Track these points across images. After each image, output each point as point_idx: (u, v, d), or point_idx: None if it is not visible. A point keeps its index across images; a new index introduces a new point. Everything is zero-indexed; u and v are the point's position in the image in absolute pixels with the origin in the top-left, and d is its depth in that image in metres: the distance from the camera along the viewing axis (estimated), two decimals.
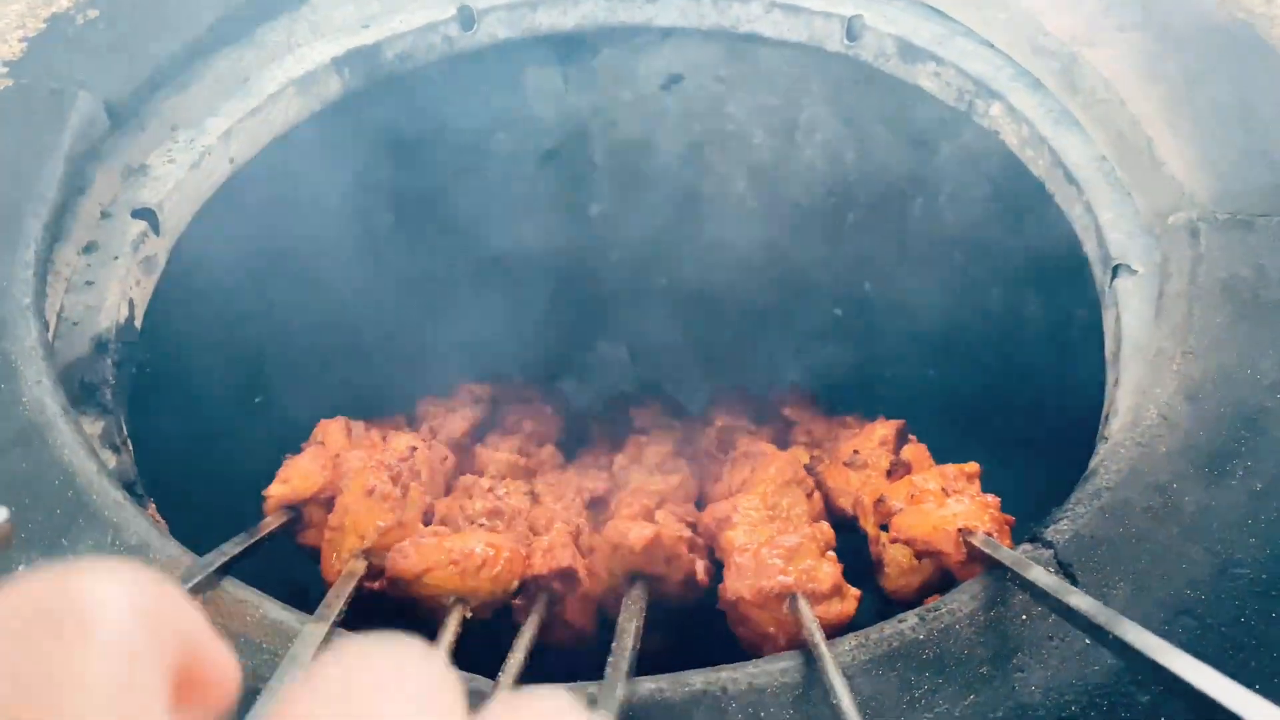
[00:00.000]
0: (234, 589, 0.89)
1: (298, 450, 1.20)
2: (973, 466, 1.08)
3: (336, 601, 0.87)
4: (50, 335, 1.12)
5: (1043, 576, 0.78)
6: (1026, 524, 1.01)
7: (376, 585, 0.99)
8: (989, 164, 1.52)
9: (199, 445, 1.37)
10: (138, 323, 1.25)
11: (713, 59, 1.87)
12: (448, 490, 1.26)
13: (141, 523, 0.93)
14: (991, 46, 1.48)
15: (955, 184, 1.67)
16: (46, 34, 1.39)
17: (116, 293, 1.23)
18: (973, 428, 1.55)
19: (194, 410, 1.41)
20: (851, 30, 1.57)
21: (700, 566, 1.05)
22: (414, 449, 1.16)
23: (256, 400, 1.67)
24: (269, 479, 1.11)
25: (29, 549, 0.90)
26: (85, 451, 0.97)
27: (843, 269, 2.11)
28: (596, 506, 1.29)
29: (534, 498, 1.24)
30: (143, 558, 0.89)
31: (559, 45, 1.78)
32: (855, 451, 1.27)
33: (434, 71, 1.66)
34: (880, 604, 1.09)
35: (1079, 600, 0.71)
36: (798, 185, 2.04)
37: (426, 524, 1.10)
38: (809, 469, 1.33)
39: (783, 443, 1.58)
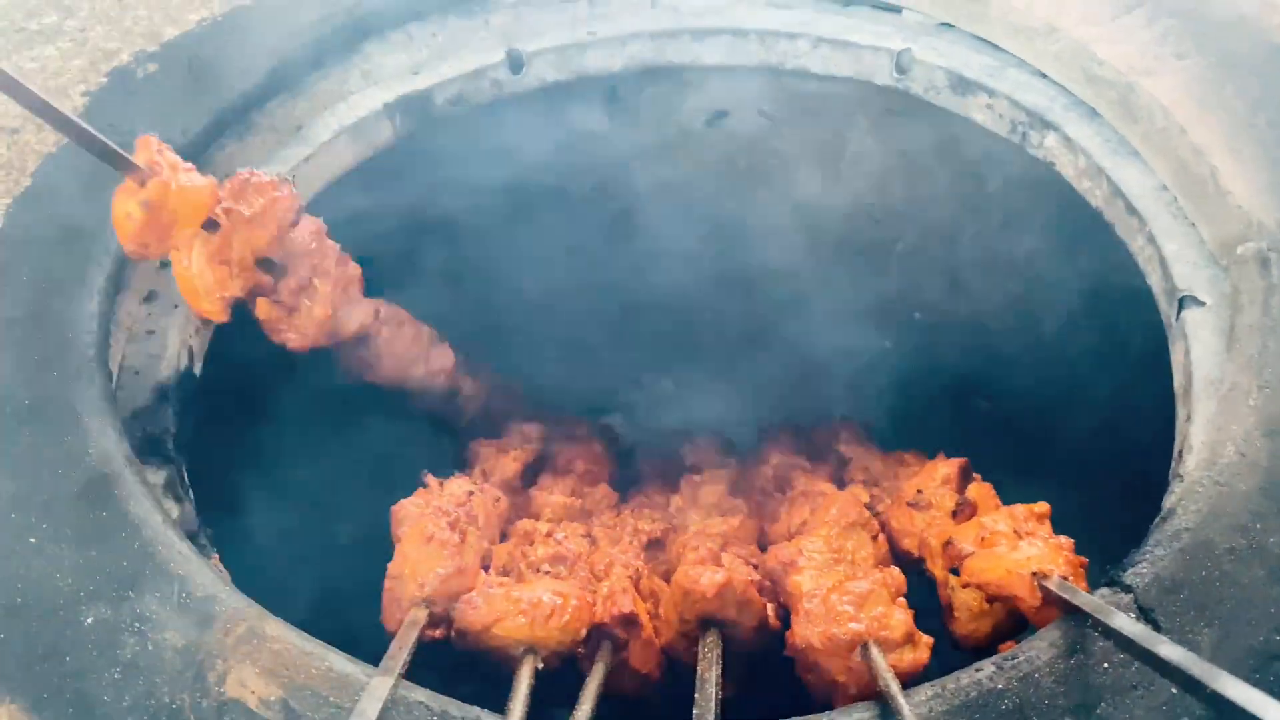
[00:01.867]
0: (299, 640, 0.88)
1: (352, 494, 1.21)
2: (1043, 507, 1.06)
3: (400, 653, 0.86)
4: (113, 385, 1.13)
5: (1127, 624, 0.76)
6: (1099, 564, 0.98)
7: (438, 634, 0.98)
8: (1044, 195, 1.50)
9: (253, 491, 1.38)
10: (197, 370, 1.26)
11: (758, 94, 1.86)
12: (503, 534, 1.25)
13: (208, 574, 0.93)
14: (1045, 77, 1.47)
15: (1009, 215, 1.65)
16: (108, 87, 1.41)
17: (177, 341, 1.24)
18: (1030, 462, 1.52)
19: (249, 455, 1.41)
20: (901, 64, 1.57)
21: (771, 611, 1.04)
22: (470, 494, 1.15)
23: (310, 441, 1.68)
24: (318, 521, 1.12)
25: (96, 601, 0.90)
26: (151, 503, 0.98)
27: (892, 300, 2.09)
28: (654, 548, 1.28)
29: (591, 541, 1.23)
30: (209, 612, 0.89)
31: (606, 85, 1.78)
32: (919, 491, 1.24)
33: (483, 114, 1.67)
34: (949, 648, 1.07)
35: (1170, 650, 0.69)
36: (845, 217, 2.02)
37: (485, 569, 1.09)
38: (870, 509, 1.30)
39: (839, 480, 1.56)
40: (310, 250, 1.21)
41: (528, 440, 1.71)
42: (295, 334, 1.21)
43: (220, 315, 1.11)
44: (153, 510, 0.97)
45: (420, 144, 1.63)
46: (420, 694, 0.84)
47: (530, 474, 1.59)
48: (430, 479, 1.20)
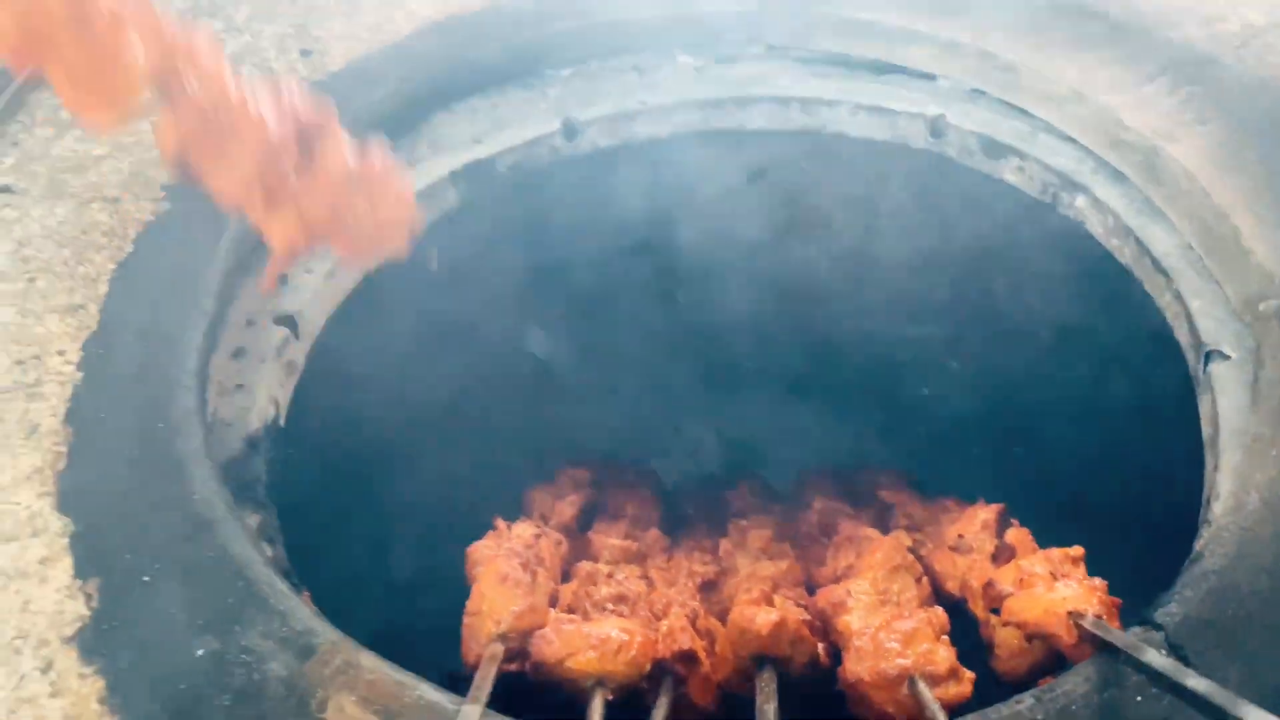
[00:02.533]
0: (391, 671, 0.96)
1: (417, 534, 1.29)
2: (1077, 550, 1.12)
3: (484, 683, 0.94)
4: (209, 436, 1.23)
5: (1157, 659, 0.82)
6: (1131, 605, 1.04)
7: (514, 667, 1.06)
8: (1074, 252, 1.57)
9: (332, 531, 1.47)
10: (282, 421, 1.36)
11: (796, 154, 1.95)
12: (564, 575, 1.32)
13: (304, 610, 1.01)
14: (1073, 141, 1.55)
15: (1041, 270, 1.72)
16: None
17: (264, 395, 1.34)
18: (1063, 507, 1.58)
19: (327, 499, 1.50)
20: (935, 128, 1.65)
21: (821, 649, 1.10)
22: (537, 536, 1.23)
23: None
24: (388, 559, 1.20)
25: (205, 634, 0.99)
26: (251, 544, 1.07)
27: (928, 349, 2.16)
28: (707, 589, 1.35)
29: (649, 582, 1.31)
30: (308, 645, 0.98)
31: (653, 149, 1.88)
32: (960, 536, 1.31)
33: (540, 177, 1.77)
34: (989, 683, 1.13)
35: (1196, 682, 0.75)
36: (881, 269, 2.10)
37: (551, 607, 1.17)
38: (913, 552, 1.37)
39: (883, 525, 1.62)
40: None
41: (579, 485, 1.79)
42: None
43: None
44: (253, 551, 1.06)
45: (482, 206, 1.73)
46: None
47: (584, 518, 1.67)
48: (499, 522, 1.28)
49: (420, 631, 1.26)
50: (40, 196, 1.49)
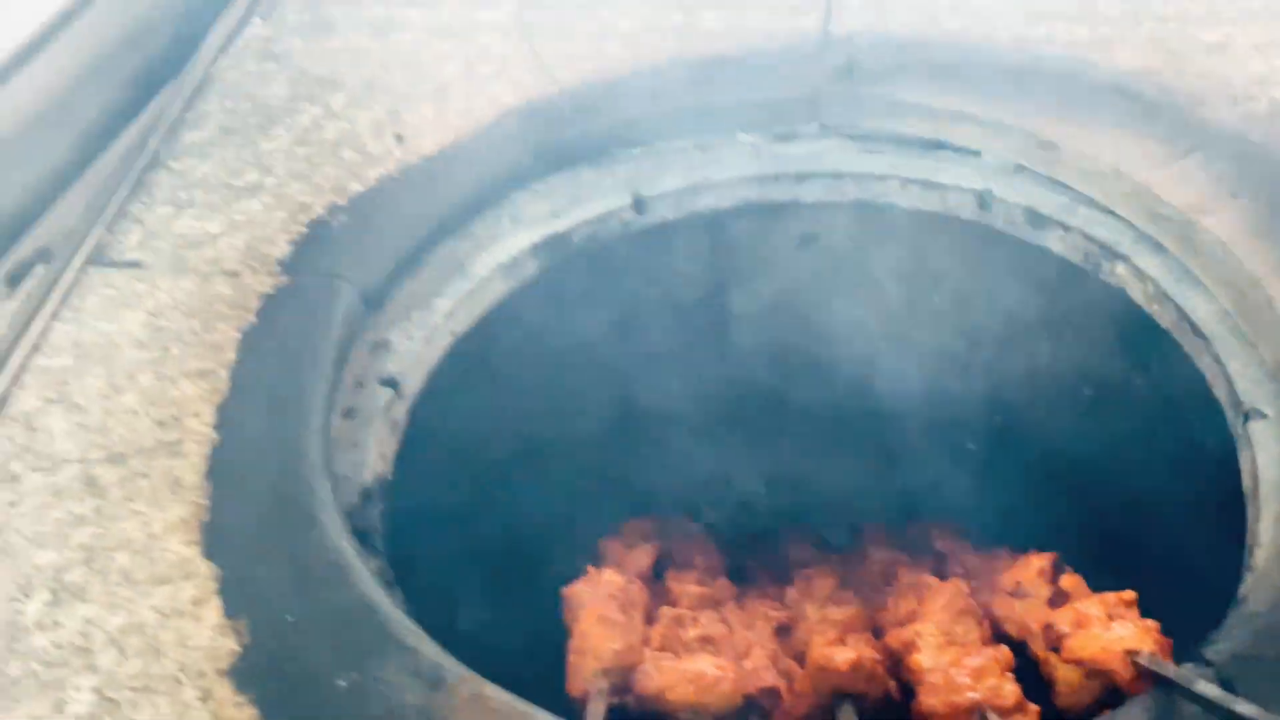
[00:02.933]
0: (513, 700, 1.08)
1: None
2: (1130, 594, 1.22)
3: (598, 712, 1.05)
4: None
5: (1209, 689, 0.92)
6: (1180, 646, 1.14)
7: (614, 700, 1.17)
8: (1116, 316, 1.68)
9: (430, 575, 1.58)
10: (390, 476, 1.49)
11: (847, 221, 2.08)
12: (647, 619, 1.43)
13: (432, 646, 1.13)
14: (1113, 214, 1.67)
15: (1084, 332, 1.83)
16: (309, 236, 1.68)
17: (375, 451, 1.47)
18: (1111, 557, 1.67)
19: (424, 548, 1.62)
20: (983, 200, 1.78)
21: (893, 685, 1.21)
22: (628, 582, 1.35)
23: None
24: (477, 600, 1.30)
25: (347, 669, 1.11)
26: (380, 587, 1.19)
27: (973, 406, 2.26)
28: (781, 633, 1.46)
29: (727, 626, 1.41)
30: (438, 677, 1.09)
31: (715, 220, 2.02)
32: (1017, 583, 1.41)
33: (610, 248, 1.91)
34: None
35: (1245, 708, 0.85)
36: (928, 329, 2.21)
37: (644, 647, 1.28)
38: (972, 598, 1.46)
39: (939, 574, 1.71)
40: None
41: (645, 537, 1.90)
42: None
43: None
44: (382, 593, 1.19)
45: (558, 275, 1.86)
46: None
47: (656, 566, 1.78)
48: (590, 569, 1.40)
49: (514, 669, 1.37)
50: (166, 270, 1.65)
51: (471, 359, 1.76)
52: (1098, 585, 1.36)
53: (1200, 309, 1.51)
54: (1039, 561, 1.48)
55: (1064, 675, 1.19)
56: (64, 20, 1.97)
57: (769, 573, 1.94)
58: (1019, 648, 1.37)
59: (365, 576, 1.20)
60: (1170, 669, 1.01)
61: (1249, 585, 1.14)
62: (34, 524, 1.30)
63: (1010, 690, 1.11)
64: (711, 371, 2.37)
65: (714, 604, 1.53)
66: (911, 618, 1.45)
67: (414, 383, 1.62)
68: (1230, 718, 0.86)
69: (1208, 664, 1.05)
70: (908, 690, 1.29)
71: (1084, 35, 1.94)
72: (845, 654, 1.18)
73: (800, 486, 2.53)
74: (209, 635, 1.16)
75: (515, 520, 1.91)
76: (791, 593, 1.68)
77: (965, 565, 1.77)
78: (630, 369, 2.22)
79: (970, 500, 2.23)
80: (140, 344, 1.52)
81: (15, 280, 1.67)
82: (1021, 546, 1.64)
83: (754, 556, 2.09)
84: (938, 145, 1.87)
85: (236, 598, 1.19)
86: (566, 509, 2.01)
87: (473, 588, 1.63)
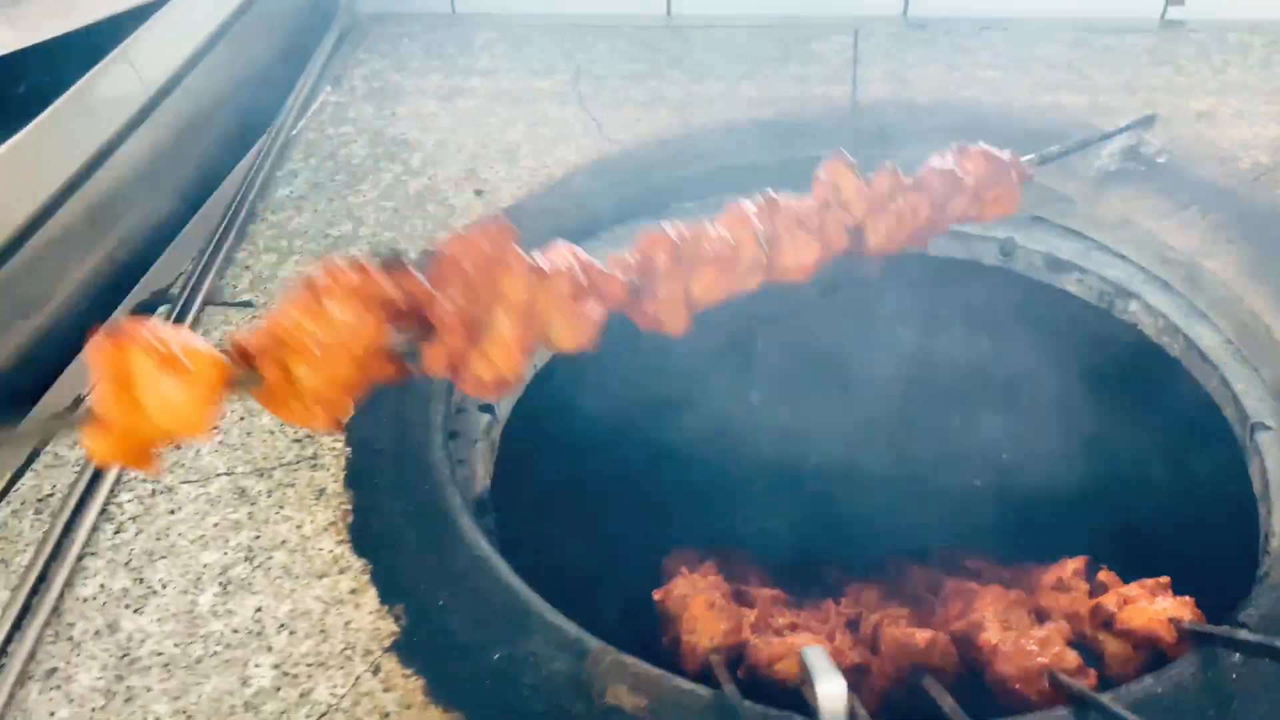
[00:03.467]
0: (650, 668, 1.24)
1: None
2: (1164, 579, 1.41)
3: (724, 676, 1.22)
4: None
5: (1249, 635, 1.11)
6: (1213, 621, 1.32)
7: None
8: (1131, 347, 1.89)
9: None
10: (489, 491, 1.65)
11: (874, 272, 2.28)
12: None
13: (571, 624, 1.29)
14: (1124, 258, 1.89)
15: (1101, 363, 2.03)
16: None
17: (481, 468, 1.64)
18: (1137, 560, 1.85)
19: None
20: (1005, 249, 2.00)
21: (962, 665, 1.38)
22: (718, 579, 1.51)
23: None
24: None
25: (499, 645, 1.27)
26: (517, 576, 1.35)
27: (987, 441, 2.45)
28: (851, 628, 1.62)
29: (803, 620, 1.58)
30: (581, 649, 1.25)
31: None
32: (1059, 578, 1.59)
33: None
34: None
35: None
36: (945, 372, 2.41)
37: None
38: None
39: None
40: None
41: (702, 558, 2.07)
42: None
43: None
44: (519, 581, 1.35)
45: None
46: (748, 702, 1.19)
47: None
48: (684, 569, 1.57)
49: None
50: None
51: (548, 390, 1.93)
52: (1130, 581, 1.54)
53: (1206, 339, 1.72)
54: (1074, 564, 1.66)
55: (1113, 649, 1.36)
56: (162, 91, 2.15)
57: (813, 595, 2.11)
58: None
59: (505, 568, 1.36)
60: (1213, 628, 1.19)
61: (1268, 565, 1.33)
62: (194, 529, 1.45)
63: (1073, 656, 1.28)
64: (733, 413, 2.55)
65: (785, 604, 1.69)
66: (964, 616, 1.62)
67: (505, 409, 1.79)
68: (1272, 651, 1.04)
69: (1242, 625, 1.23)
70: (974, 674, 1.46)
71: (1085, 103, 2.19)
72: (924, 632, 1.36)
73: (816, 524, 2.69)
74: (370, 619, 1.32)
75: (588, 538, 2.06)
76: (846, 602, 1.84)
77: (1000, 577, 1.94)
78: (672, 407, 2.40)
79: (984, 530, 2.42)
80: None
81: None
82: (1050, 562, 1.82)
83: (792, 584, 2.25)
84: None
85: (390, 587, 1.35)
86: (626, 531, 2.17)
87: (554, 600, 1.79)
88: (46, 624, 1.34)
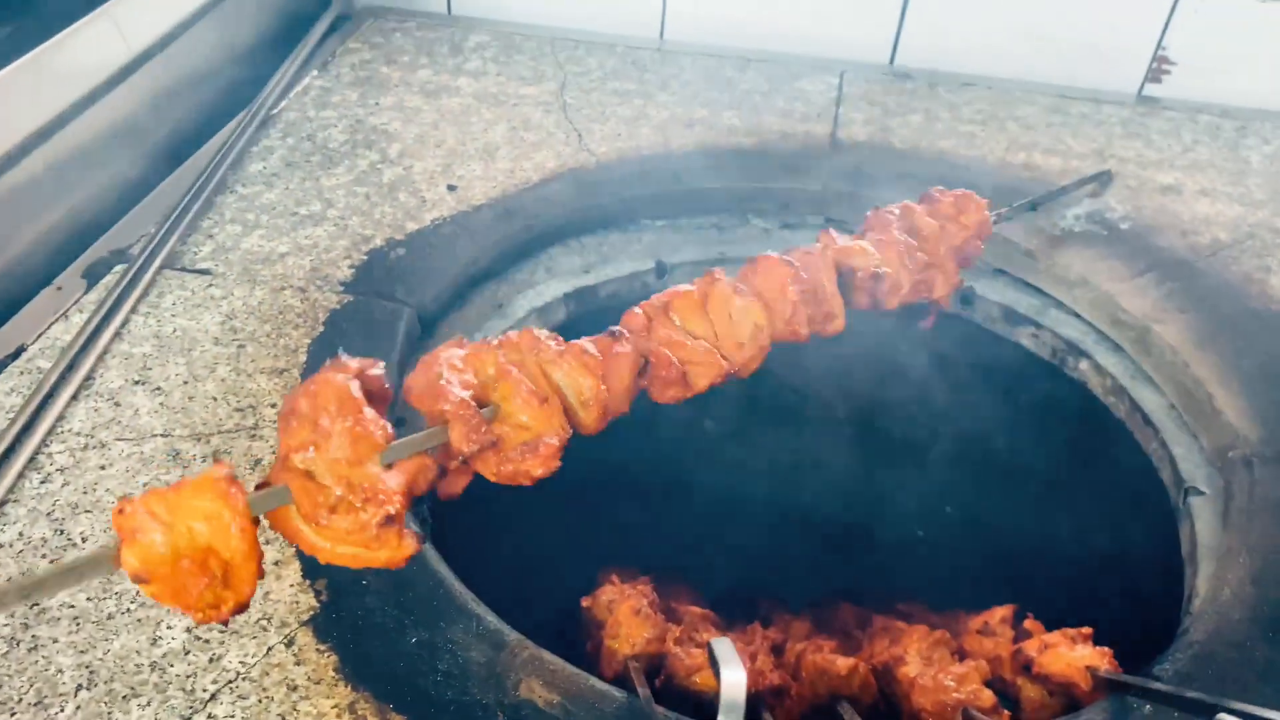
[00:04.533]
0: (566, 665, 1.23)
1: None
2: (1087, 630, 1.42)
3: (641, 683, 1.21)
4: None
5: (1161, 686, 1.12)
6: (1131, 672, 1.33)
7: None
8: (1076, 406, 1.92)
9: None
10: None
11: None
12: None
13: (491, 615, 1.28)
14: (1079, 317, 1.92)
15: (1046, 419, 2.06)
16: (369, 263, 1.86)
17: None
18: (1065, 614, 1.87)
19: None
20: (966, 298, 2.02)
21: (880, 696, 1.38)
22: (651, 588, 1.51)
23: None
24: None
25: (418, 629, 1.25)
26: (444, 564, 1.34)
27: (939, 486, 2.47)
28: (775, 652, 1.62)
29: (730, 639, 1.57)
30: (499, 641, 1.24)
31: None
32: (985, 623, 1.60)
33: (631, 304, 2.10)
34: None
35: (1192, 693, 1.05)
36: (894, 420, 2.43)
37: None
38: None
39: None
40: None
41: (635, 576, 2.06)
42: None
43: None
44: (446, 568, 1.34)
45: (585, 323, 2.05)
46: (661, 709, 1.18)
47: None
48: (615, 577, 1.56)
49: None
50: (238, 280, 1.81)
51: None
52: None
53: (1151, 402, 1.75)
54: (1001, 611, 1.67)
55: (1029, 694, 1.37)
56: (144, 55, 2.14)
57: (743, 620, 2.10)
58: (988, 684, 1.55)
59: (433, 554, 1.35)
60: (1126, 677, 1.20)
61: (1189, 623, 1.35)
62: (123, 486, 1.43)
63: (988, 695, 1.29)
64: (690, 438, 2.55)
65: (713, 623, 1.69)
66: (887, 654, 1.62)
67: None
68: (1181, 702, 1.06)
69: (1157, 679, 1.24)
70: (891, 706, 1.46)
71: (1057, 165, 2.23)
72: (845, 660, 1.36)
73: (757, 562, 2.69)
74: (290, 592, 1.30)
75: (527, 541, 2.05)
76: (773, 631, 1.84)
77: (929, 623, 1.95)
78: (624, 423, 2.40)
79: (921, 581, 2.43)
80: (217, 340, 1.67)
81: (94, 275, 1.81)
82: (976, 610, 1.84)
83: (725, 612, 2.25)
84: None
85: (314, 562, 1.32)
86: (567, 543, 2.16)
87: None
88: None
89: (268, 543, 1.35)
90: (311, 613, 1.28)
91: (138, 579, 0.81)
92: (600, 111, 2.36)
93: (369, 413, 0.93)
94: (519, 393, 1.01)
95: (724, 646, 1.10)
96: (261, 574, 0.90)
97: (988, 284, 2.03)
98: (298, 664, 1.22)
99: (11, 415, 1.50)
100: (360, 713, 1.17)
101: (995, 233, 2.00)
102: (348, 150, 2.18)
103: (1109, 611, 1.84)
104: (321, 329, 1.70)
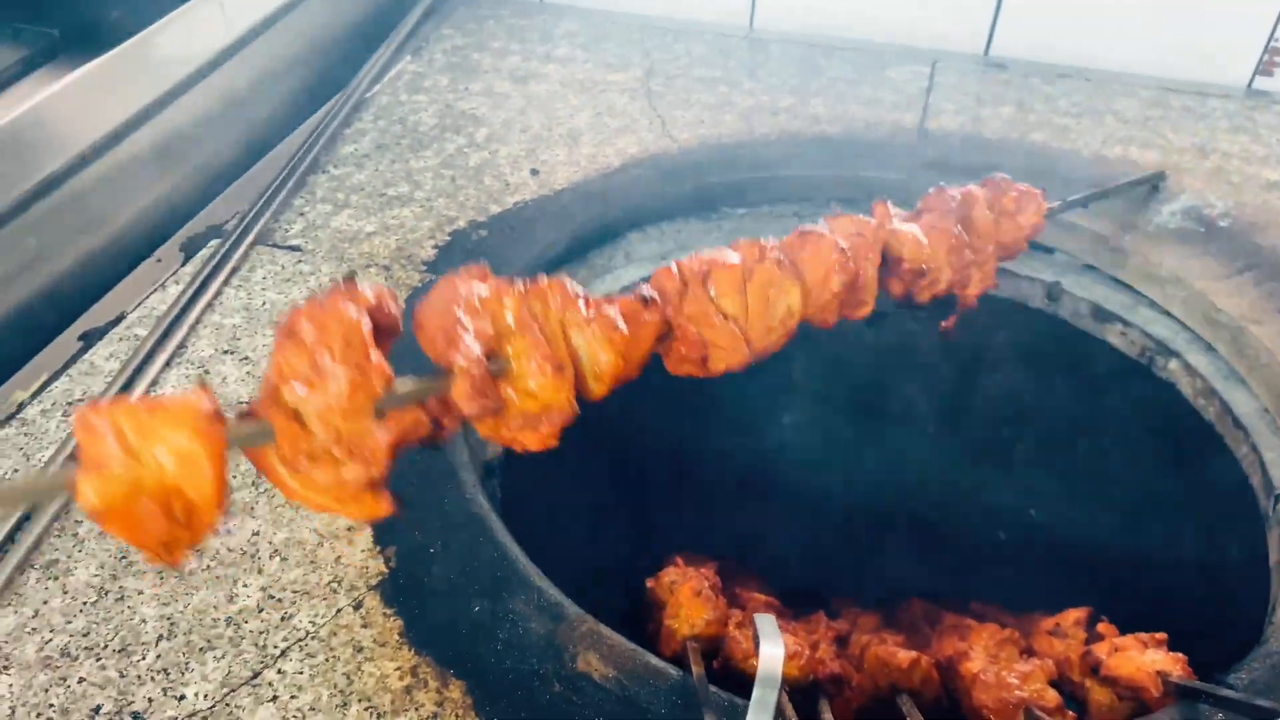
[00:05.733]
0: (625, 641, 1.24)
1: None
2: (1161, 635, 1.38)
3: (698, 664, 1.22)
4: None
5: (1232, 693, 1.08)
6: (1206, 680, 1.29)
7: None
8: (1165, 407, 1.86)
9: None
10: (502, 458, 1.67)
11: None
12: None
13: (555, 589, 1.30)
14: (1170, 316, 1.86)
15: (1133, 420, 2.00)
16: (451, 245, 1.89)
17: None
18: (1144, 618, 1.81)
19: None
20: (1051, 293, 1.97)
21: (942, 693, 1.36)
22: (711, 573, 1.51)
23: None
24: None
25: (481, 598, 1.28)
26: (510, 536, 1.37)
27: (1011, 496, 2.42)
28: (839, 644, 1.61)
29: (793, 629, 1.57)
30: (559, 614, 1.26)
31: None
32: (1056, 625, 1.56)
33: None
34: None
35: (1264, 702, 1.01)
36: (979, 418, 2.39)
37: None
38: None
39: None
40: None
41: (708, 562, 2.07)
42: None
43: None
44: (513, 543, 1.36)
45: None
46: (714, 688, 1.19)
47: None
48: (679, 559, 1.57)
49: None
50: (325, 257, 1.86)
51: None
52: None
53: (1243, 405, 1.68)
54: (1075, 613, 1.63)
55: (1097, 696, 1.34)
56: (245, 38, 2.22)
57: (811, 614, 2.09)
58: (1055, 684, 1.52)
59: (499, 525, 1.38)
60: (1198, 684, 1.17)
61: (1269, 632, 1.30)
62: None
63: (1053, 695, 1.26)
64: (752, 434, 2.54)
65: (776, 611, 1.68)
66: (956, 647, 1.60)
67: None
68: (1254, 710, 1.02)
69: (1230, 687, 1.20)
70: (954, 702, 1.44)
71: (1154, 159, 2.16)
72: (907, 653, 1.34)
73: (829, 559, 2.67)
74: (361, 557, 1.34)
75: (598, 521, 2.07)
76: (841, 623, 1.83)
77: (1002, 622, 1.91)
78: (704, 412, 2.41)
79: (996, 586, 2.38)
80: None
81: (190, 249, 1.88)
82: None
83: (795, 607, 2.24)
84: None
85: (385, 530, 1.37)
86: (637, 526, 2.18)
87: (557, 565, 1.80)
88: (55, 517, 1.38)
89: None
90: (380, 578, 1.31)
91: (92, 514, 0.74)
92: (685, 98, 2.36)
93: (374, 356, 0.85)
94: (534, 355, 0.95)
95: (766, 623, 1.10)
96: (222, 510, 0.81)
97: (1075, 279, 1.97)
98: (364, 626, 1.25)
99: (109, 380, 1.58)
100: (422, 676, 1.20)
101: (1085, 228, 1.96)
102: (436, 134, 2.23)
103: (1190, 619, 1.78)
104: (403, 305, 1.74)
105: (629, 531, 2.11)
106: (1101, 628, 1.54)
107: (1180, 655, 1.29)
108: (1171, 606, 1.83)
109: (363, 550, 1.35)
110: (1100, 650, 1.36)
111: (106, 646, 1.23)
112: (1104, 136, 2.24)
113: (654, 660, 1.22)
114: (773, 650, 1.05)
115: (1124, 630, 1.63)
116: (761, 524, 2.71)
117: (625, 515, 2.14)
